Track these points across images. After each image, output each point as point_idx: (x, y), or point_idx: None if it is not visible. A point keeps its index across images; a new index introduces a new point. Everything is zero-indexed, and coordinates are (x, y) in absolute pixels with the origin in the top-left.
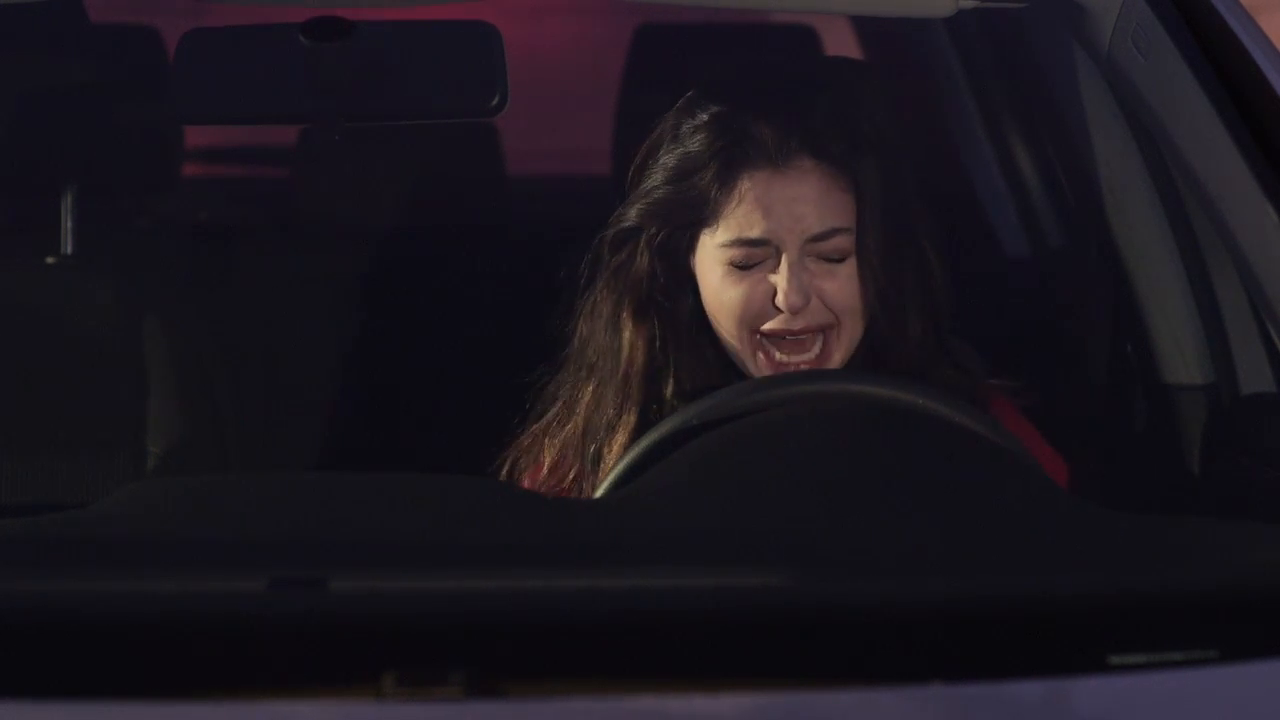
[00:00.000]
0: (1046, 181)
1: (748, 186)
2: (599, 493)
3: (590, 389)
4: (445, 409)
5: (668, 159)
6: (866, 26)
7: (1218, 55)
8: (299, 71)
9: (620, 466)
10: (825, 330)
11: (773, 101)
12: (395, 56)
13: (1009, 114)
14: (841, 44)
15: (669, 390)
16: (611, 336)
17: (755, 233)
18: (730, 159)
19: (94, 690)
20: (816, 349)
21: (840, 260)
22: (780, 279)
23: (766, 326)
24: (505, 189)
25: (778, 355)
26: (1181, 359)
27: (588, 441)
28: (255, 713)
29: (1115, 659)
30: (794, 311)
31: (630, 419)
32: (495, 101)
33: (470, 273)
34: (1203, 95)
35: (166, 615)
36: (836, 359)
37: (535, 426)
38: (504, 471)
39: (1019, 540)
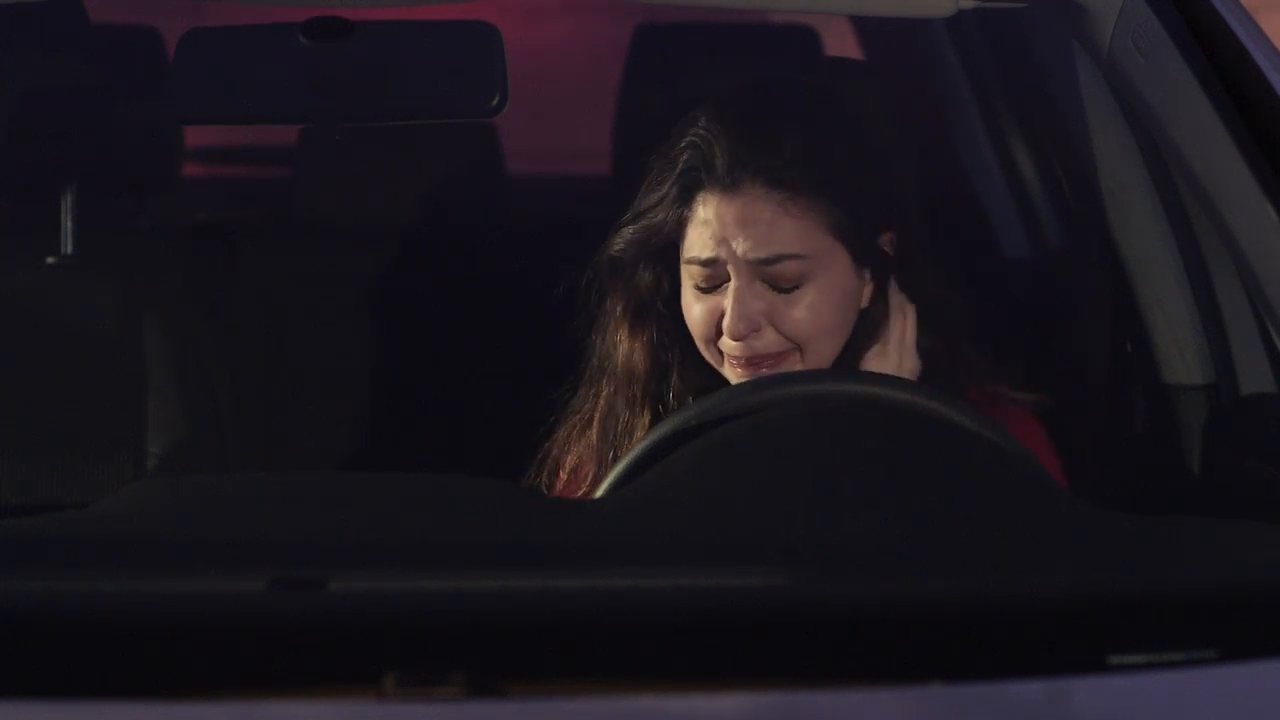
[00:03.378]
0: (1046, 181)
1: (701, 208)
2: (599, 493)
3: (603, 397)
4: (445, 408)
5: (660, 175)
6: (866, 26)
7: (1218, 55)
8: (299, 71)
9: (620, 467)
10: (786, 354)
11: (736, 125)
12: (395, 56)
13: (1009, 114)
14: (841, 44)
15: (670, 393)
16: (614, 344)
17: (706, 253)
18: (689, 181)
19: (94, 690)
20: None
21: (792, 289)
22: (727, 303)
23: (723, 347)
24: (505, 189)
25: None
26: (1181, 359)
27: (604, 447)
28: (255, 713)
29: (1115, 659)
30: (737, 339)
31: (644, 420)
32: (495, 101)
33: (470, 272)
34: (1203, 95)
35: (167, 615)
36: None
37: (558, 436)
38: (526, 476)
39: (1019, 540)
